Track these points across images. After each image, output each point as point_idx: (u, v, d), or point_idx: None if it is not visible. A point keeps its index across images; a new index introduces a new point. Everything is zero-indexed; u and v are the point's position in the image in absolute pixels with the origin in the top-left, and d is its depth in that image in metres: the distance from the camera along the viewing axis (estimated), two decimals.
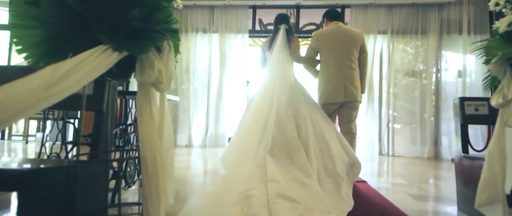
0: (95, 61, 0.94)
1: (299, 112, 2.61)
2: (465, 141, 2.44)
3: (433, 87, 5.95)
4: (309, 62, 3.10)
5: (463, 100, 2.42)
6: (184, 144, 6.40)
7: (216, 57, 6.58)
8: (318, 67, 3.13)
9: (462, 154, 2.38)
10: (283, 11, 6.31)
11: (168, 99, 3.23)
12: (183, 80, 6.56)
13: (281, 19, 3.09)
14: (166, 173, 1.25)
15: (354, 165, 2.57)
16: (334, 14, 3.17)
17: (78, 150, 1.16)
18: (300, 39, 3.23)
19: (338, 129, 3.03)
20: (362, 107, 5.94)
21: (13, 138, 7.11)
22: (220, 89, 6.46)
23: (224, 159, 2.65)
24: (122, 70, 1.19)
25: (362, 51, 3.02)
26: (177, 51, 1.36)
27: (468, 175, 2.29)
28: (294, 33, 3.18)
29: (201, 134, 6.44)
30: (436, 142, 5.79)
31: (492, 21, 5.62)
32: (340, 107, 2.96)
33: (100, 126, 1.52)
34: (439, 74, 5.98)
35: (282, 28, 3.01)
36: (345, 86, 2.87)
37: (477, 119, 2.47)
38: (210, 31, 6.59)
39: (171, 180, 1.30)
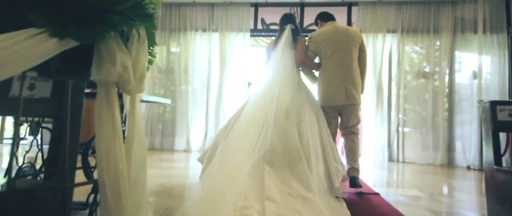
0: (12, 50, 0.63)
1: (302, 118, 2.46)
2: (498, 151, 2.14)
3: (446, 89, 5.59)
4: (312, 65, 2.93)
5: (494, 104, 2.13)
6: (182, 148, 6.09)
7: (216, 57, 6.28)
8: (316, 72, 2.98)
9: (495, 166, 2.07)
10: (286, 9, 6.03)
11: (159, 102, 2.93)
12: (182, 81, 6.27)
13: (288, 19, 2.98)
14: (135, 204, 0.93)
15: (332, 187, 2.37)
16: (328, 15, 3.06)
17: (9, 175, 0.84)
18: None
19: (339, 132, 2.92)
20: (371, 111, 5.62)
21: (4, 141, 6.82)
22: (220, 91, 6.15)
23: (212, 161, 2.41)
24: (73, 65, 0.88)
25: (361, 50, 2.88)
26: (152, 42, 1.04)
27: (502, 191, 2.00)
28: (300, 32, 3.02)
29: (200, 138, 6.12)
30: (450, 147, 5.44)
31: (509, 19, 5.29)
32: (341, 111, 2.81)
33: (59, 137, 1.22)
34: (452, 76, 5.60)
35: (288, 28, 2.89)
36: (346, 88, 2.72)
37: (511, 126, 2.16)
38: (210, 30, 6.30)
39: (141, 213, 0.97)
